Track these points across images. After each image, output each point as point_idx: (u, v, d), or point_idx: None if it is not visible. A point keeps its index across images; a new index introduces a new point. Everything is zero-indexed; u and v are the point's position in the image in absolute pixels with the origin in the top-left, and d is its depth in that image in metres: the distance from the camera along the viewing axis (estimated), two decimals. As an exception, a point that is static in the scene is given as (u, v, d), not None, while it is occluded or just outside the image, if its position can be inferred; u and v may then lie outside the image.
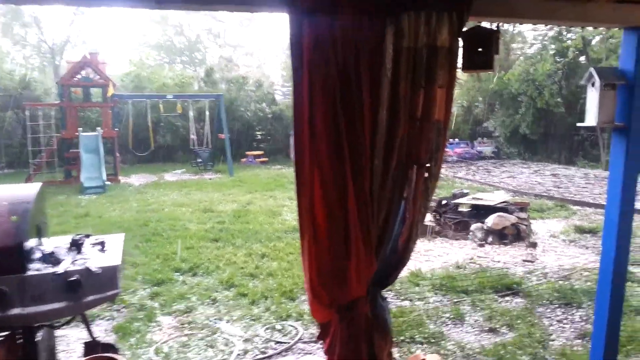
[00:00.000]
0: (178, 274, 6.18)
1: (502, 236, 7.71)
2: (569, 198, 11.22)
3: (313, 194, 2.17)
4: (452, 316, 4.83)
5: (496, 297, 5.31)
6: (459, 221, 8.46)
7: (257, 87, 22.90)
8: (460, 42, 2.29)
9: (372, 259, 2.22)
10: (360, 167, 2.17)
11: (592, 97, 2.94)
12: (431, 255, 7.09)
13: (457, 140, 22.14)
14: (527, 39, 23.16)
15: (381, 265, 2.32)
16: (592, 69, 2.95)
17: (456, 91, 28.82)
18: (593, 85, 2.95)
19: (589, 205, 10.54)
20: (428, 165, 2.29)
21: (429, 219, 8.39)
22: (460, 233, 8.20)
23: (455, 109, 26.18)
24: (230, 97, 21.06)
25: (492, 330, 4.53)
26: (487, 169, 17.33)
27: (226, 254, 6.91)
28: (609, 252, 3.24)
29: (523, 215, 8.19)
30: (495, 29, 2.37)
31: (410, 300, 5.22)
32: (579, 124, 3.15)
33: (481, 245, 7.55)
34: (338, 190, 2.15)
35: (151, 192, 12.72)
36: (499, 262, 6.68)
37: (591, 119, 2.95)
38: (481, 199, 8.71)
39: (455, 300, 5.22)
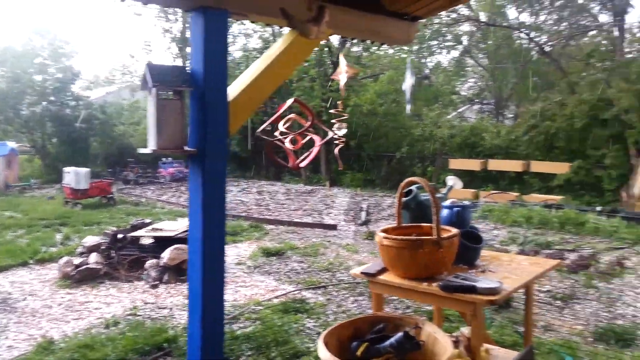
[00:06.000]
0: None
1: (180, 272, 6.74)
2: (266, 217, 11.08)
3: None
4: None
5: (141, 364, 4.20)
6: (136, 258, 7.20)
7: None
8: None
9: None
10: None
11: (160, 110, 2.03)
12: (86, 309, 5.64)
13: (170, 159, 20.94)
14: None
15: None
16: (146, 66, 2.01)
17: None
18: (151, 92, 2.03)
19: (283, 223, 10.51)
20: None
21: (94, 259, 6.91)
22: (135, 273, 6.94)
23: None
24: None
25: None
26: (197, 189, 16.57)
27: None
28: (195, 285, 2.41)
29: (206, 244, 7.38)
30: None
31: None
32: (141, 150, 2.21)
33: (154, 287, 6.42)
34: None
35: None
36: (166, 307, 5.64)
37: (153, 140, 2.04)
38: (161, 230, 7.63)
39: (82, 381, 3.91)
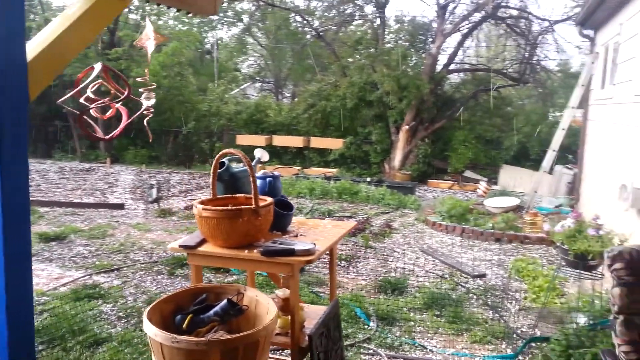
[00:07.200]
0: None
1: None
2: (38, 198, 9.83)
3: None
4: None
5: None
6: None
7: None
8: None
9: None
10: None
11: None
12: None
13: None
14: None
15: None
16: None
17: None
18: None
19: (60, 204, 9.48)
20: None
21: None
22: None
23: None
24: None
25: None
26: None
27: None
28: None
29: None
30: None
31: None
32: None
33: None
34: None
35: None
36: None
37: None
38: None
39: None
